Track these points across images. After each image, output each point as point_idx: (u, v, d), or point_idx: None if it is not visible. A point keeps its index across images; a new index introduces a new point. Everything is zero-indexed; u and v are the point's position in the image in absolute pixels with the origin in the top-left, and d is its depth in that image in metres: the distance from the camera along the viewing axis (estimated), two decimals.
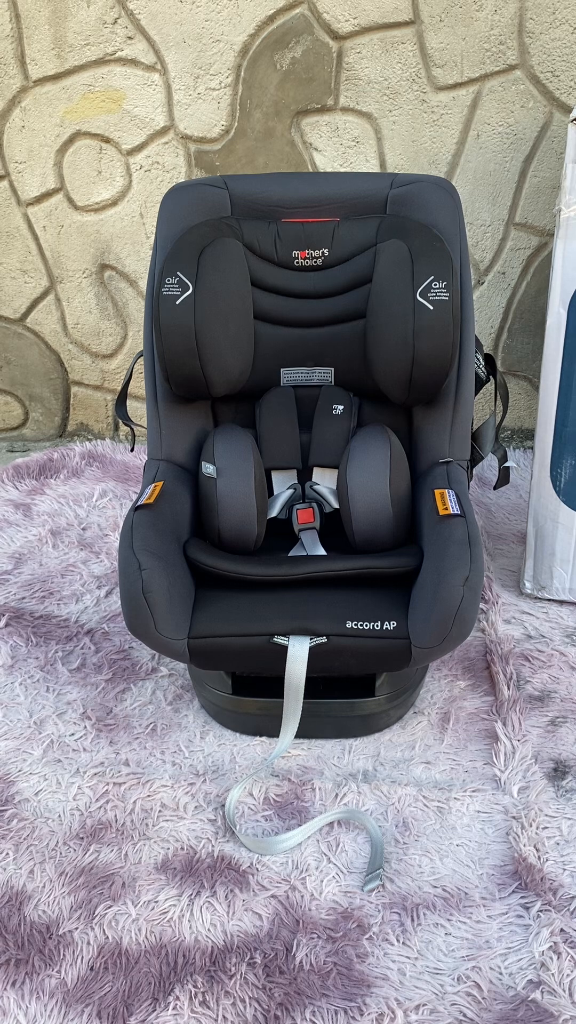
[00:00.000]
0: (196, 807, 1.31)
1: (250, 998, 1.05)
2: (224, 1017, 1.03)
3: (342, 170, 2.21)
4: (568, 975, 1.06)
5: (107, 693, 1.55)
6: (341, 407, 1.56)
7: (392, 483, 1.42)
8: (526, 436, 2.45)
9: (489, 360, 1.61)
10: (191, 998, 1.04)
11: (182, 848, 1.24)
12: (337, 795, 1.32)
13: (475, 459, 1.57)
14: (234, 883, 1.19)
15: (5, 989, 1.07)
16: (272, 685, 1.34)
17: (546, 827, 1.26)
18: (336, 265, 1.54)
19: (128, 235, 2.36)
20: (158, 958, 1.10)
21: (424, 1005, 1.03)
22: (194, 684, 1.51)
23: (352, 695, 1.41)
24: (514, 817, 1.27)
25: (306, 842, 1.25)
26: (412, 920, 1.14)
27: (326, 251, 1.53)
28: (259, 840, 1.24)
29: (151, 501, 1.41)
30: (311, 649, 1.28)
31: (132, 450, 1.74)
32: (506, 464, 1.59)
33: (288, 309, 1.56)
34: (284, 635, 1.29)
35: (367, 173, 1.67)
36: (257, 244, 1.54)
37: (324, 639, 1.28)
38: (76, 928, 1.14)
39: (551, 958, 1.07)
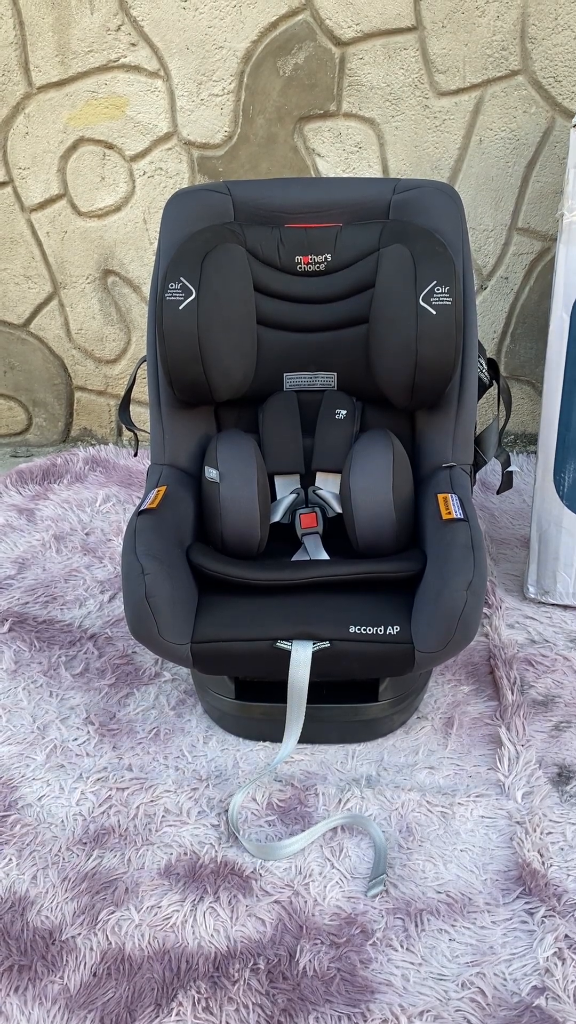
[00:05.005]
0: (199, 812, 1.31)
1: (253, 1004, 1.04)
2: (227, 1023, 1.02)
3: (345, 175, 2.22)
4: (573, 981, 1.05)
5: (110, 698, 1.55)
6: (344, 411, 1.56)
7: (395, 487, 1.41)
8: (529, 441, 2.45)
9: (492, 365, 1.61)
10: (194, 1004, 1.04)
11: (185, 853, 1.24)
12: (340, 800, 1.32)
13: (478, 463, 1.57)
14: (237, 888, 1.19)
15: (8, 995, 1.06)
16: (275, 690, 1.34)
17: (550, 832, 1.25)
18: (339, 270, 1.54)
19: (131, 241, 2.37)
20: (161, 964, 1.09)
21: (428, 1011, 1.03)
22: (197, 689, 1.50)
23: (355, 700, 1.40)
24: (518, 822, 1.27)
25: (309, 847, 1.25)
26: (416, 926, 1.13)
27: (329, 256, 1.54)
28: (262, 845, 1.24)
29: (154, 506, 1.41)
30: (314, 654, 1.28)
31: (135, 455, 1.75)
32: (509, 468, 1.59)
33: (291, 314, 1.56)
34: (287, 640, 1.29)
35: (370, 178, 1.67)
36: (260, 249, 1.54)
37: (327, 644, 1.28)
38: (79, 934, 1.14)
39: (555, 964, 1.07)
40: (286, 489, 1.56)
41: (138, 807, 1.31)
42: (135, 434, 1.63)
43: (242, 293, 1.52)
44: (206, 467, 1.47)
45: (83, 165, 2.30)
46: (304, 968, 1.08)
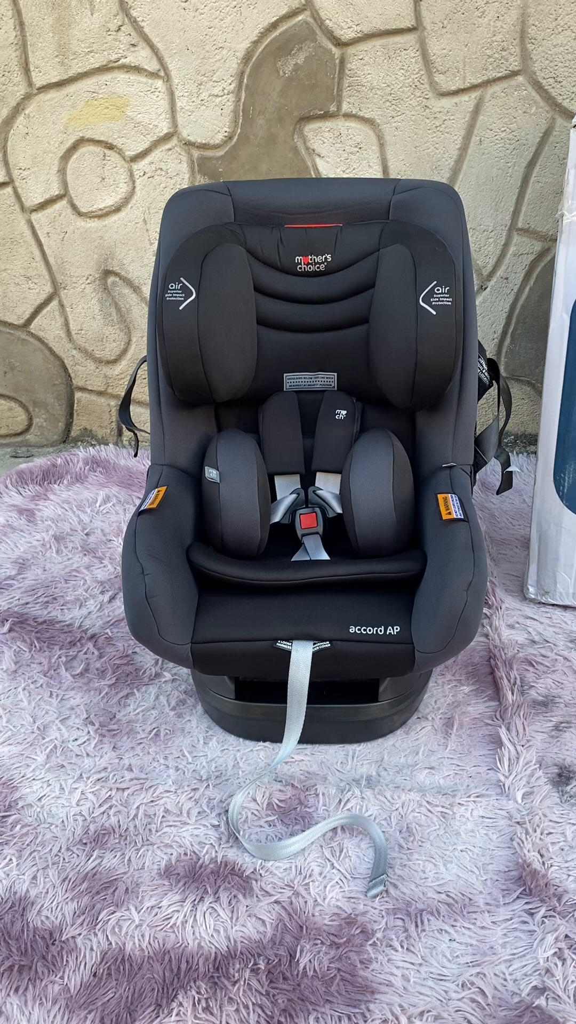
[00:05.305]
0: (199, 812, 1.31)
1: (253, 1004, 1.04)
2: (227, 1023, 1.02)
3: (345, 176, 2.22)
4: (573, 981, 1.05)
5: (110, 698, 1.55)
6: (344, 412, 1.56)
7: (395, 488, 1.42)
8: (529, 441, 2.45)
9: (492, 365, 1.61)
10: (194, 1004, 1.04)
11: (185, 854, 1.24)
12: (341, 800, 1.32)
13: (478, 464, 1.57)
14: (237, 889, 1.19)
15: (8, 995, 1.06)
16: (275, 690, 1.34)
17: (550, 832, 1.25)
18: (339, 270, 1.54)
19: (131, 241, 2.37)
20: (161, 964, 1.09)
21: (428, 1011, 1.03)
22: (197, 689, 1.50)
23: (355, 700, 1.41)
24: (518, 823, 1.27)
25: (310, 848, 1.25)
26: (416, 926, 1.13)
27: (329, 256, 1.54)
28: (263, 846, 1.24)
29: (154, 506, 1.41)
30: (314, 654, 1.28)
31: (136, 455, 1.75)
32: (509, 469, 1.59)
33: (291, 314, 1.56)
34: (287, 640, 1.29)
35: (370, 179, 1.67)
36: (260, 250, 1.54)
37: (327, 644, 1.28)
38: (79, 934, 1.14)
39: (556, 964, 1.07)
40: (286, 489, 1.56)
41: (138, 807, 1.31)
42: (135, 434, 1.63)
43: (242, 293, 1.52)
44: (206, 467, 1.47)
45: (83, 165, 2.30)
46: (304, 968, 1.08)
